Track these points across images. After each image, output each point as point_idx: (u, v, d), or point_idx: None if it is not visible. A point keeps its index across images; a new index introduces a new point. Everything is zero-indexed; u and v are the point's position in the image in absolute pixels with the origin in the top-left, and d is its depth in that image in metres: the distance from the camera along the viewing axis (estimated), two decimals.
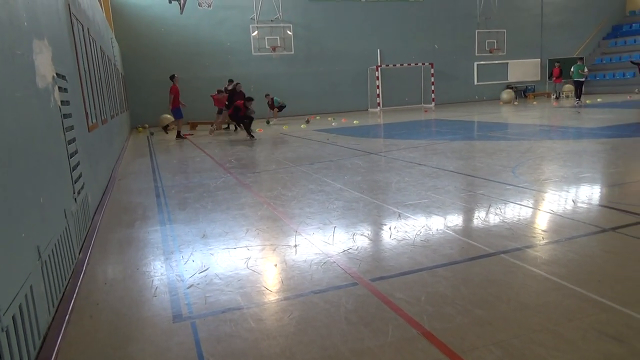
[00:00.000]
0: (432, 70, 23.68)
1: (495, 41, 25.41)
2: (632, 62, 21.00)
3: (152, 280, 3.35)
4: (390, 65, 23.68)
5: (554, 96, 24.41)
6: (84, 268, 3.67)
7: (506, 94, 23.88)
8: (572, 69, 19.78)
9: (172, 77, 14.36)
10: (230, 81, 16.79)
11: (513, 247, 3.55)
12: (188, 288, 3.17)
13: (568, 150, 7.91)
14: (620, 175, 5.96)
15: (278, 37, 21.20)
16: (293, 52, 21.37)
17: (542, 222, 4.23)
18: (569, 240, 3.65)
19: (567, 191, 5.23)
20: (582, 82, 19.58)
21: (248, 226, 4.55)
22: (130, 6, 20.01)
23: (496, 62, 26.14)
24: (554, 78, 23.17)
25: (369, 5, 23.88)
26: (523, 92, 27.08)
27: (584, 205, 4.62)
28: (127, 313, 2.88)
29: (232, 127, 16.94)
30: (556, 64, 23.66)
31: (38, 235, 2.75)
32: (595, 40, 29.08)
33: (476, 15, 25.32)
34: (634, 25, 28.28)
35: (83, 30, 6.50)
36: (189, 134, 15.86)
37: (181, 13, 16.74)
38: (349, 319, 2.61)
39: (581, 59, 20.43)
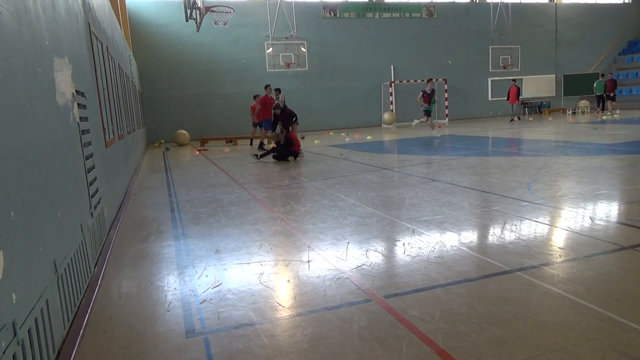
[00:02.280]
0: (446, 86, 23.68)
1: (509, 57, 25.37)
2: None
3: (166, 295, 3.36)
4: (404, 81, 23.76)
5: (511, 119, 21.48)
6: (99, 282, 3.71)
7: (388, 115, 22.21)
8: (595, 85, 21.93)
9: (266, 87, 14.74)
10: (277, 90, 15.75)
11: (529, 265, 3.50)
12: (201, 303, 3.17)
13: (585, 167, 7.81)
14: (639, 192, 5.86)
15: (292, 54, 21.44)
16: (307, 68, 21.58)
17: (558, 240, 4.16)
18: (586, 258, 3.58)
19: (584, 208, 5.15)
20: (604, 96, 21.93)
21: (261, 241, 4.56)
22: (148, 25, 20.47)
23: (510, 78, 26.08)
24: (509, 98, 21.36)
25: (383, 21, 24.10)
26: (538, 108, 26.92)
27: (602, 223, 4.54)
28: (141, 328, 2.88)
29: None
30: (513, 83, 21.66)
31: (55, 250, 2.79)
32: (610, 55, 28.91)
33: (490, 31, 25.36)
34: None
35: (102, 49, 6.65)
36: (203, 149, 16.01)
37: (197, 31, 17.03)
38: (362, 336, 2.58)
39: (602, 75, 21.09)
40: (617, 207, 5.24)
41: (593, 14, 27.89)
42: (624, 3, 29.19)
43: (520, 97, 21.10)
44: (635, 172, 7.16)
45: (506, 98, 21.63)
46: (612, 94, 21.32)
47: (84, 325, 2.94)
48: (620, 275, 3.23)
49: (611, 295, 2.91)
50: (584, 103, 24.06)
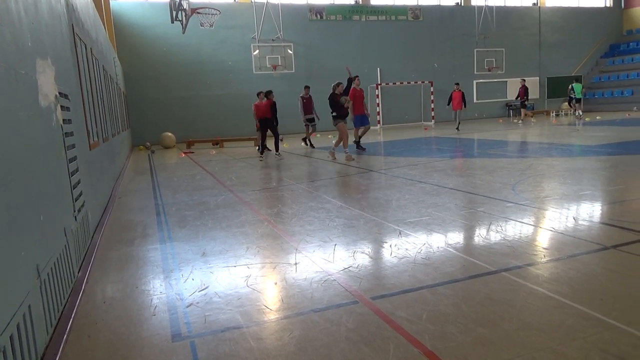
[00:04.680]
0: (432, 89, 23.87)
1: (494, 59, 25.68)
2: None
3: (152, 299, 3.33)
4: (390, 84, 23.88)
5: (456, 127, 18.10)
6: (83, 287, 3.65)
7: None
8: (571, 88, 21.61)
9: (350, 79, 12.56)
10: (306, 88, 14.76)
11: (514, 265, 3.53)
12: (187, 307, 3.15)
13: (568, 168, 7.92)
14: (621, 193, 5.96)
15: (279, 56, 21.43)
16: (294, 70, 21.58)
17: (543, 240, 4.21)
18: (570, 258, 3.63)
19: (568, 209, 5.22)
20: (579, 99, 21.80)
21: (248, 244, 4.54)
22: (133, 26, 20.30)
23: (495, 80, 26.37)
24: (452, 104, 17.93)
25: (369, 24, 24.21)
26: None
27: (585, 223, 4.60)
28: (126, 332, 2.85)
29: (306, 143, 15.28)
30: (456, 87, 18.08)
31: (37, 254, 2.74)
32: (593, 59, 29.40)
33: (475, 34, 25.64)
34: (630, 44, 28.64)
35: (86, 50, 6.58)
36: (190, 152, 15.91)
37: (183, 33, 16.98)
38: (349, 338, 2.58)
39: (576, 79, 21.50)
40: (600, 207, 5.32)
41: (576, 18, 28.35)
42: (606, 7, 29.72)
43: (466, 103, 17.90)
44: (617, 173, 7.28)
45: (447, 103, 18.33)
46: (524, 100, 20.38)
47: (67, 330, 2.89)
48: (604, 274, 3.27)
49: (595, 294, 2.95)
50: (567, 105, 24.42)
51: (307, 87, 14.72)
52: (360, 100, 12.90)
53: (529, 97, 21.01)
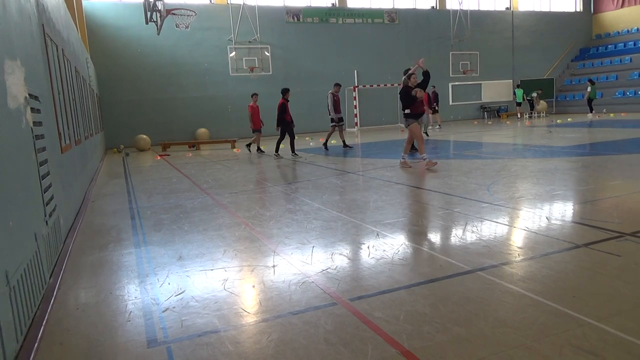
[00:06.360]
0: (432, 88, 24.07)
1: (468, 62, 26.08)
2: None
3: (126, 305, 3.26)
4: (367, 86, 24.03)
5: (424, 131, 15.69)
6: (55, 293, 3.56)
7: None
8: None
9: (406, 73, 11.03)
10: (337, 85, 13.82)
11: (490, 264, 3.58)
12: (163, 312, 3.09)
13: (541, 168, 8.10)
14: (591, 193, 6.11)
15: (256, 58, 21.34)
16: (271, 72, 21.52)
17: (517, 239, 4.29)
18: (543, 256, 3.70)
19: (541, 208, 5.33)
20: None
21: (225, 247, 4.49)
22: (107, 27, 19.95)
23: (470, 83, 26.78)
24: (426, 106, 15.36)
25: (346, 26, 24.34)
26: (497, 112, 27.76)
27: (558, 222, 4.71)
28: (100, 339, 2.79)
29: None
30: (433, 88, 16.84)
31: (6, 260, 2.66)
32: (564, 62, 30.16)
33: (450, 38, 26.01)
34: (600, 47, 29.50)
35: (57, 51, 6.43)
36: (165, 154, 15.70)
37: (158, 34, 16.74)
38: (328, 340, 2.58)
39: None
40: (572, 207, 5.45)
41: (547, 22, 29.05)
42: (576, 12, 30.54)
43: (431, 105, 16.90)
44: (587, 173, 7.47)
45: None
46: (434, 106, 19.45)
47: (38, 338, 2.81)
48: (575, 272, 3.35)
49: (567, 291, 3.02)
50: (540, 107, 24.98)
51: (338, 85, 13.90)
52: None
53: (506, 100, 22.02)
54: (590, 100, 23.06)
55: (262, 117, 14.84)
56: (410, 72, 9.40)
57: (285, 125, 12.70)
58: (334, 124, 13.82)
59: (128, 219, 6.06)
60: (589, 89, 23.11)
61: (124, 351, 2.62)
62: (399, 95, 9.66)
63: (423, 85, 9.35)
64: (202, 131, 20.94)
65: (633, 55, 26.25)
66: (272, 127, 13.48)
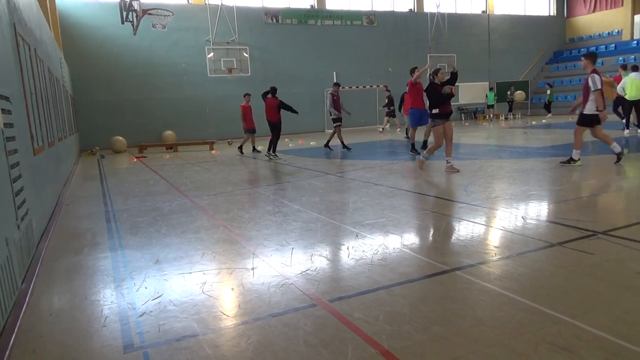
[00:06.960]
0: (387, 93, 24.25)
1: (446, 65, 26.36)
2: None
3: (102, 310, 3.20)
4: (346, 88, 24.08)
5: (404, 133, 16.48)
6: (27, 299, 3.47)
7: None
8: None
9: (412, 71, 11.26)
10: (336, 85, 14.13)
11: (467, 264, 3.63)
12: (140, 316, 3.04)
13: (517, 169, 8.24)
14: (565, 192, 6.24)
15: (234, 59, 21.17)
16: (250, 73, 21.39)
17: (494, 239, 4.35)
18: (519, 255, 3.77)
19: (517, 208, 5.43)
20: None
21: (204, 250, 4.45)
22: (81, 26, 19.56)
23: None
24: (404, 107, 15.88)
25: (324, 28, 24.37)
26: (473, 114, 28.16)
27: (533, 222, 4.79)
28: (74, 345, 2.72)
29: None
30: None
31: None
32: (538, 65, 30.79)
33: (427, 40, 26.30)
34: (573, 51, 30.20)
35: (30, 51, 6.27)
36: (142, 156, 15.47)
37: (134, 34, 16.50)
38: (307, 341, 2.57)
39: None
40: (547, 206, 5.56)
41: (522, 25, 29.61)
42: (550, 16, 31.22)
43: (400, 107, 16.05)
44: (561, 173, 7.63)
45: (401, 107, 16.37)
46: (392, 109, 19.95)
47: (10, 345, 2.74)
48: (550, 270, 3.42)
49: (542, 290, 3.08)
50: (518, 97, 25.41)
51: (337, 85, 14.16)
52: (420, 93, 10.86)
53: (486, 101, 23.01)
54: (549, 103, 24.72)
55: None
56: (434, 70, 8.76)
57: (276, 124, 13.04)
58: (337, 123, 13.99)
59: (103, 222, 5.94)
60: (548, 92, 24.79)
61: (100, 357, 2.57)
62: (424, 94, 9.02)
63: (452, 82, 8.60)
64: (169, 133, 20.55)
65: (604, 59, 26.93)
66: (265, 127, 13.51)
